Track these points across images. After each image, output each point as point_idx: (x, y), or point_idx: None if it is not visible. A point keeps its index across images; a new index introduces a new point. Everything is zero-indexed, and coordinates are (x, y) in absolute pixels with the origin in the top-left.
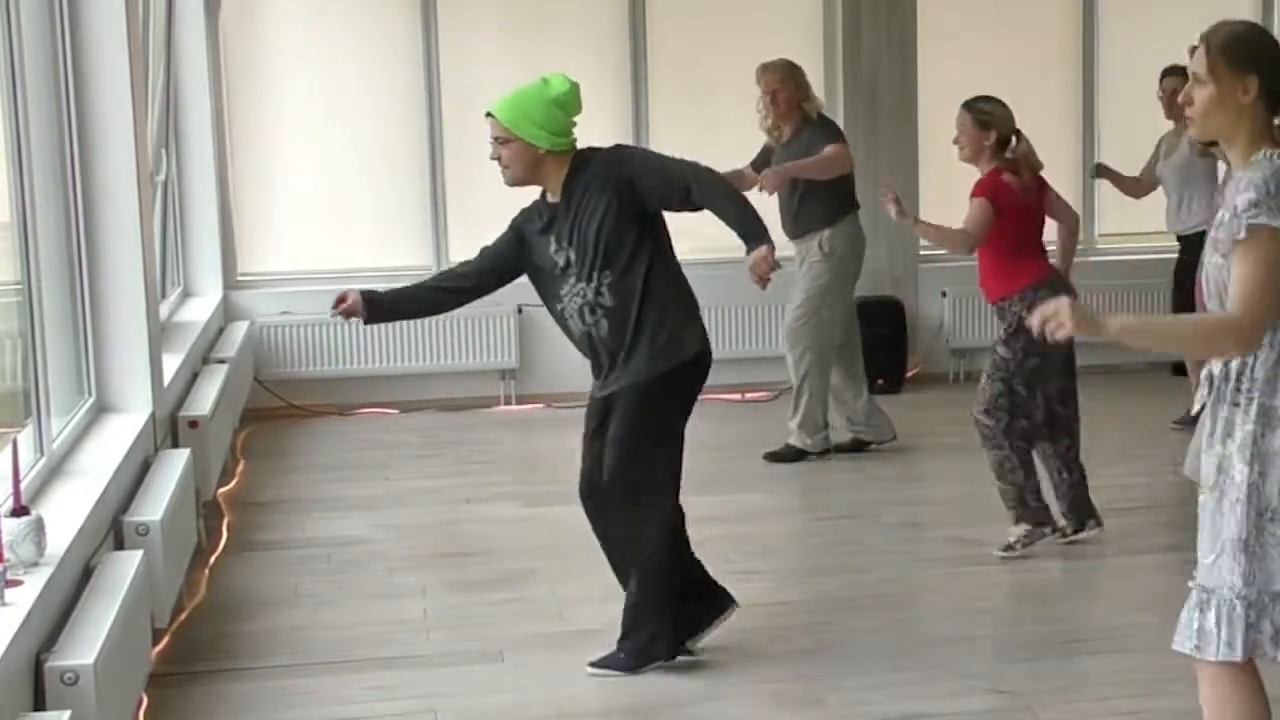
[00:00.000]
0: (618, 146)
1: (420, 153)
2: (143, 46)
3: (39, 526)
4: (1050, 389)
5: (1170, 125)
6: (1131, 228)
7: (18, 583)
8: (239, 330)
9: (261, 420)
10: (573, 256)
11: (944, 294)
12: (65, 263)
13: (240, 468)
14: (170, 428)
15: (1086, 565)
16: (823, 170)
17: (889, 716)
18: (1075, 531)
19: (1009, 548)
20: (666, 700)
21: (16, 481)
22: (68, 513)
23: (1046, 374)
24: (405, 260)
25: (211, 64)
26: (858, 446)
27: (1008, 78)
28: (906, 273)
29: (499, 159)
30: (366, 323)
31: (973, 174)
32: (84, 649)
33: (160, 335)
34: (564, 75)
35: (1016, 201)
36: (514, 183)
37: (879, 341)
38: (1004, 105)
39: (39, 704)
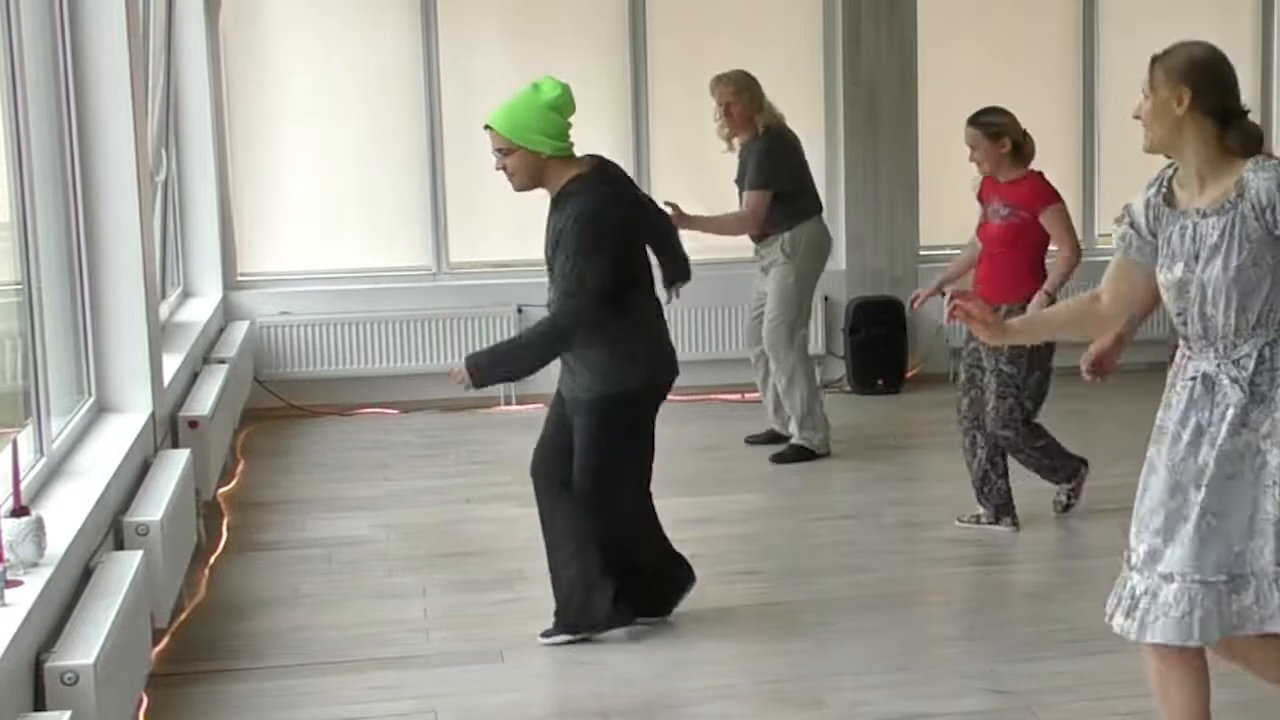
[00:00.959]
0: (588, 214)
1: (420, 153)
2: (143, 46)
3: (39, 527)
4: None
5: None
6: None
7: (18, 583)
8: (239, 330)
9: (261, 420)
10: (546, 264)
11: (943, 294)
12: (65, 263)
13: (240, 468)
14: (170, 428)
15: (1086, 565)
16: (731, 231)
17: (889, 716)
18: (991, 522)
19: (975, 518)
20: (666, 700)
21: (16, 482)
22: (68, 513)
23: (1042, 389)
24: (405, 261)
25: (211, 64)
26: (774, 439)
27: (1007, 79)
28: (906, 273)
29: (504, 169)
30: None
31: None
32: (84, 649)
33: (160, 335)
34: (553, 78)
35: None
36: (522, 189)
37: (879, 341)
38: (1007, 112)
39: (39, 704)
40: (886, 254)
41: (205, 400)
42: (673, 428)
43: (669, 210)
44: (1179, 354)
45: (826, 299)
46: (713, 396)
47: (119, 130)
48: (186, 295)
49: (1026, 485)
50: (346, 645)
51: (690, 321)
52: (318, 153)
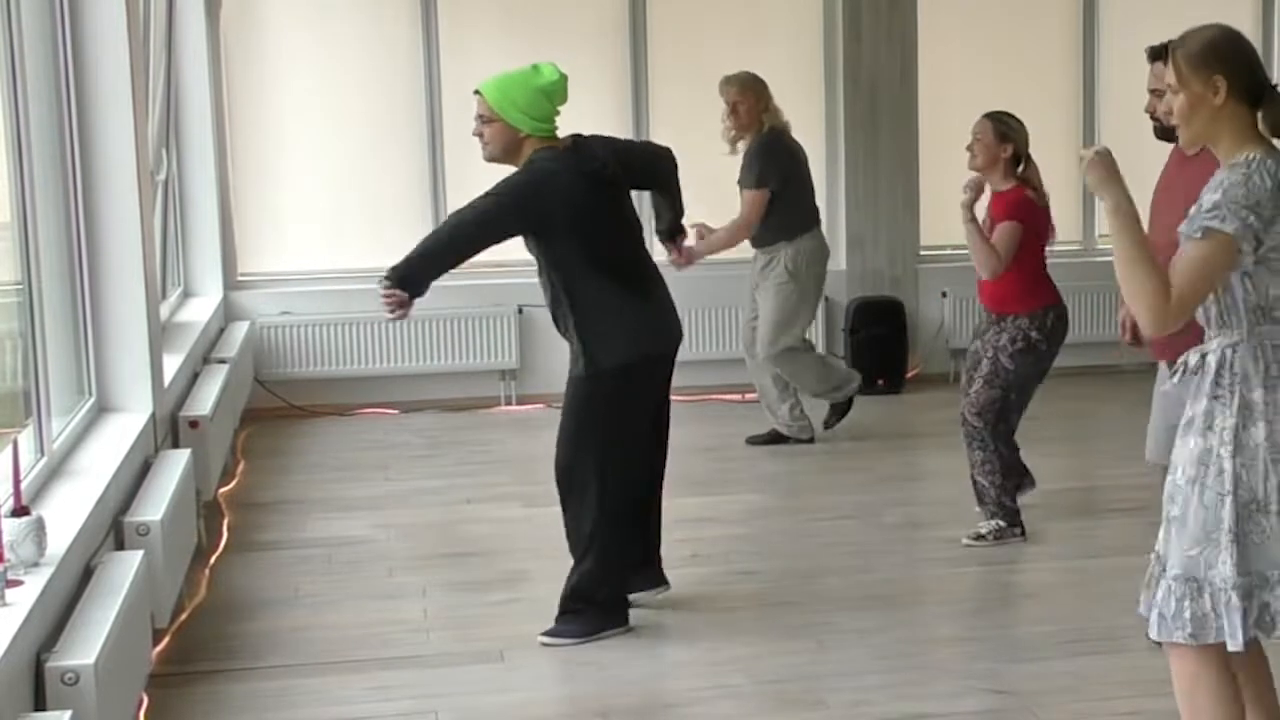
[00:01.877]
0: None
1: (420, 153)
2: (143, 46)
3: (39, 527)
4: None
5: None
6: None
7: (18, 583)
8: (239, 330)
9: (262, 420)
10: None
11: (944, 294)
12: (65, 263)
13: (241, 468)
14: (171, 428)
15: (1086, 565)
16: (738, 239)
17: (889, 717)
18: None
19: (980, 537)
20: (666, 700)
21: (17, 482)
22: (68, 513)
23: (1033, 388)
24: None
25: (211, 64)
26: (776, 439)
27: (1007, 80)
28: (906, 273)
29: (480, 135)
30: None
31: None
32: (84, 649)
33: (160, 335)
34: (554, 65)
35: (1041, 220)
36: (491, 159)
37: (878, 342)
38: (1023, 125)
39: (39, 704)
40: (886, 254)
41: (206, 400)
42: (674, 428)
43: (695, 233)
44: None
45: (827, 299)
46: (713, 397)
47: (119, 130)
48: (187, 295)
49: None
50: (347, 645)
51: (690, 322)
52: (318, 152)
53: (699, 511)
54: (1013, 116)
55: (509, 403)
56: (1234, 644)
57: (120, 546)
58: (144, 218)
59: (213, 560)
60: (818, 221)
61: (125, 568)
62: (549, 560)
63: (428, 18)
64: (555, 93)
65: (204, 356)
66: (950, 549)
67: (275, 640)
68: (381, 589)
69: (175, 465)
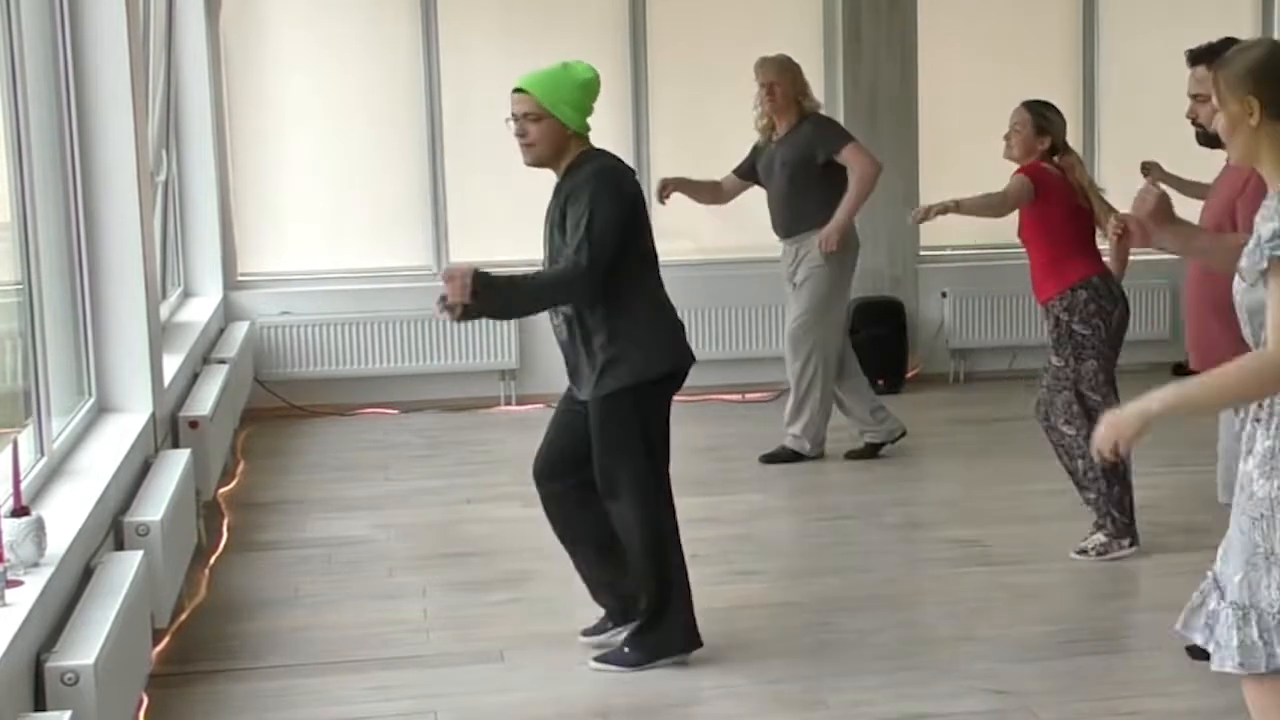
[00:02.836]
0: (605, 172)
1: (420, 153)
2: (143, 46)
3: (39, 527)
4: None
5: None
6: None
7: (18, 583)
8: (239, 330)
9: (262, 420)
10: (546, 258)
11: (944, 294)
12: (65, 263)
13: (240, 468)
14: (170, 428)
15: (1087, 565)
16: (862, 194)
17: (889, 717)
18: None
19: (1082, 551)
20: (666, 700)
21: (17, 482)
22: (68, 513)
23: (1101, 372)
24: (405, 260)
25: (211, 64)
26: (871, 452)
27: (1008, 80)
28: (906, 273)
29: (524, 135)
30: None
31: (972, 177)
32: (84, 649)
33: (160, 335)
34: (585, 62)
35: (1063, 194)
36: (537, 162)
37: (879, 342)
38: (1062, 115)
39: (39, 704)
40: (886, 254)
41: (206, 400)
42: (674, 428)
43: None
44: None
45: None
46: (713, 397)
47: (119, 130)
48: (187, 295)
49: (1032, 488)
50: (346, 645)
51: (689, 322)
52: (318, 153)
53: (699, 512)
54: (1051, 107)
55: (509, 403)
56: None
57: (120, 546)
58: (144, 218)
59: (212, 560)
60: None
61: (125, 568)
62: (549, 560)
63: (428, 17)
64: (593, 88)
65: (204, 356)
66: (950, 549)
67: (275, 640)
68: (381, 589)
69: (175, 465)
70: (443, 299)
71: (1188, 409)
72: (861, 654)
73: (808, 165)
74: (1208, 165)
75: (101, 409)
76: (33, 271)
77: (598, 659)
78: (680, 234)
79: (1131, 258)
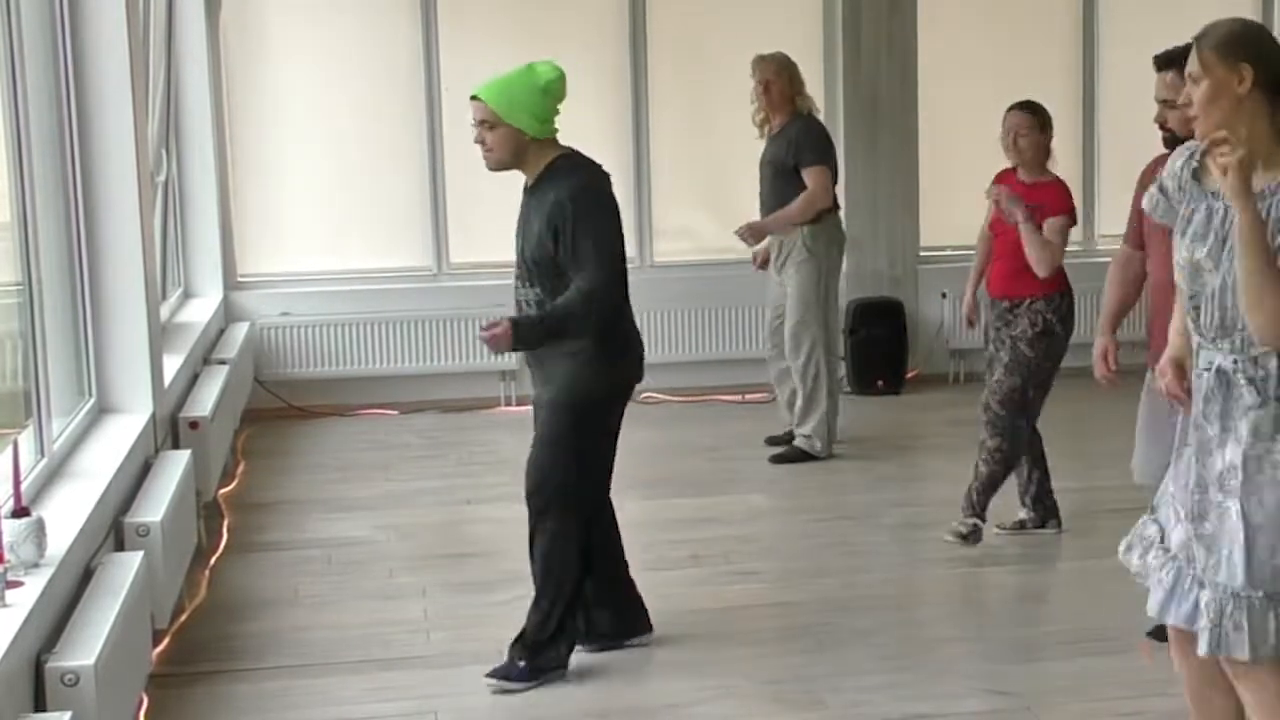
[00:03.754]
0: (594, 186)
1: (420, 153)
2: (143, 46)
3: (40, 527)
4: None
5: None
6: None
7: (18, 584)
8: (239, 331)
9: (262, 421)
10: (519, 254)
11: (944, 295)
12: (66, 263)
13: (241, 469)
14: (171, 429)
15: (1086, 565)
16: (802, 214)
17: (889, 717)
18: (1037, 526)
19: (1019, 525)
20: (666, 700)
21: (17, 482)
22: (68, 514)
23: (1053, 375)
24: (405, 261)
25: (211, 64)
26: (794, 439)
27: (1008, 80)
28: (906, 274)
29: (483, 142)
30: None
31: (972, 177)
32: (84, 650)
33: (161, 336)
34: (550, 61)
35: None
36: (497, 167)
37: (878, 343)
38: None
39: (39, 705)
40: (886, 255)
41: (206, 401)
42: (674, 428)
43: (744, 232)
44: (1193, 340)
45: None
46: (713, 397)
47: (119, 131)
48: (187, 296)
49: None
50: (347, 646)
51: (690, 322)
52: (318, 153)
53: (699, 512)
54: (1039, 104)
55: (509, 403)
56: None
57: (120, 547)
58: (144, 219)
59: (213, 561)
60: (837, 208)
61: (125, 568)
62: None
63: (428, 18)
64: (556, 91)
65: (204, 357)
66: (950, 549)
67: (275, 641)
68: (381, 589)
69: (175, 466)
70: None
71: (1244, 243)
72: (861, 654)
73: (786, 166)
74: None
75: (102, 409)
76: (33, 272)
77: (489, 674)
78: (680, 234)
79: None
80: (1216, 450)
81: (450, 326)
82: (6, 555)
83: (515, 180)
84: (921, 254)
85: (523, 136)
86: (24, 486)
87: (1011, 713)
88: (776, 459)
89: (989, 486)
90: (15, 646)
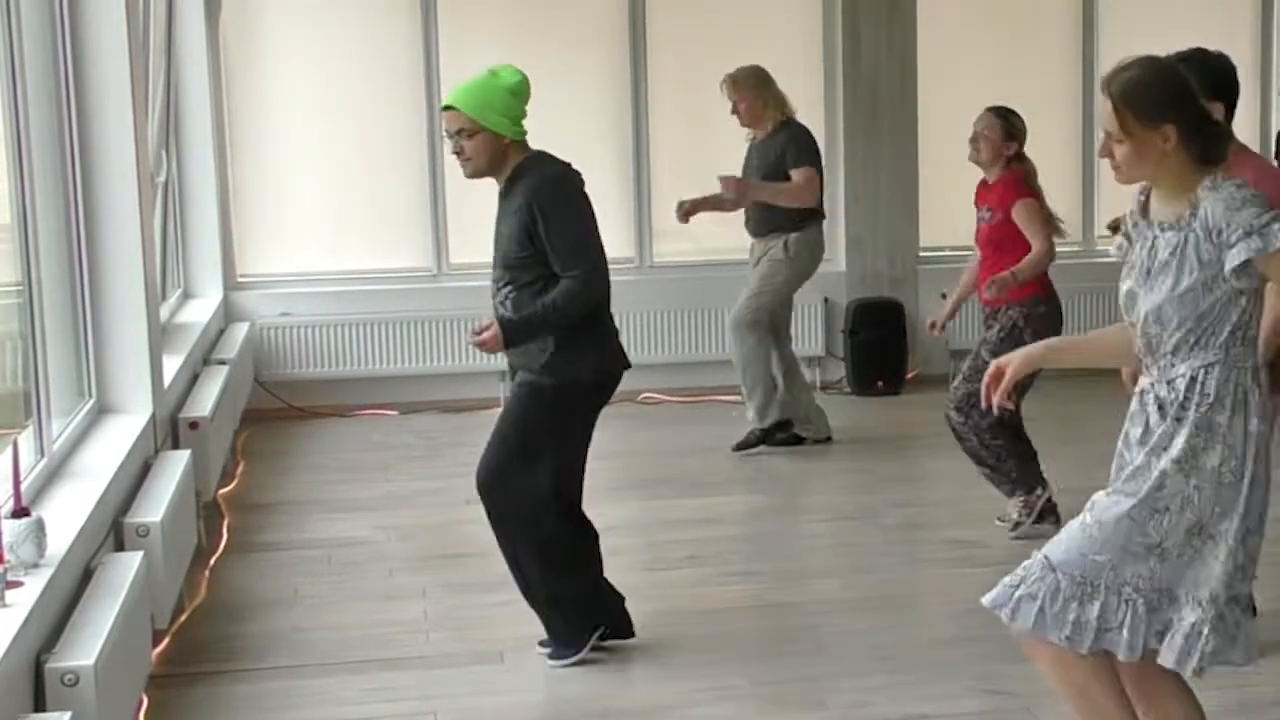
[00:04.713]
0: (559, 180)
1: (420, 154)
2: (143, 47)
3: (39, 528)
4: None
5: None
6: None
7: (18, 584)
8: (239, 331)
9: (262, 421)
10: (494, 258)
11: (943, 295)
12: (66, 264)
13: (240, 469)
14: (170, 429)
15: None
16: (786, 200)
17: (889, 717)
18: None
19: (1016, 525)
20: (666, 701)
21: (17, 483)
22: (68, 514)
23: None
24: (405, 262)
25: (211, 64)
26: (796, 439)
27: (1008, 82)
28: (906, 274)
29: (461, 152)
30: None
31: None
32: (84, 650)
33: (160, 337)
34: (511, 66)
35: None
36: (477, 174)
37: (878, 343)
38: (1024, 121)
39: (39, 705)
40: (886, 255)
41: (206, 401)
42: (673, 428)
43: (728, 183)
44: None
45: (826, 300)
46: (712, 398)
47: (119, 131)
48: (187, 296)
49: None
50: (346, 646)
51: (690, 323)
52: (318, 154)
53: (697, 512)
54: (1015, 114)
55: None
56: (1130, 654)
57: (120, 547)
58: (144, 219)
59: (212, 561)
60: (822, 216)
61: (125, 569)
62: None
63: (427, 18)
64: (522, 92)
65: (204, 358)
66: (950, 550)
67: (275, 641)
68: (381, 590)
69: (175, 466)
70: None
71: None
72: (861, 654)
73: (779, 171)
74: None
75: (101, 410)
76: (33, 272)
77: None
78: (679, 235)
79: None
80: (1127, 457)
81: (450, 327)
82: (6, 555)
83: None
84: (921, 254)
85: (500, 139)
86: (24, 487)
87: (1011, 713)
88: (738, 446)
89: (1005, 475)
90: (15, 647)
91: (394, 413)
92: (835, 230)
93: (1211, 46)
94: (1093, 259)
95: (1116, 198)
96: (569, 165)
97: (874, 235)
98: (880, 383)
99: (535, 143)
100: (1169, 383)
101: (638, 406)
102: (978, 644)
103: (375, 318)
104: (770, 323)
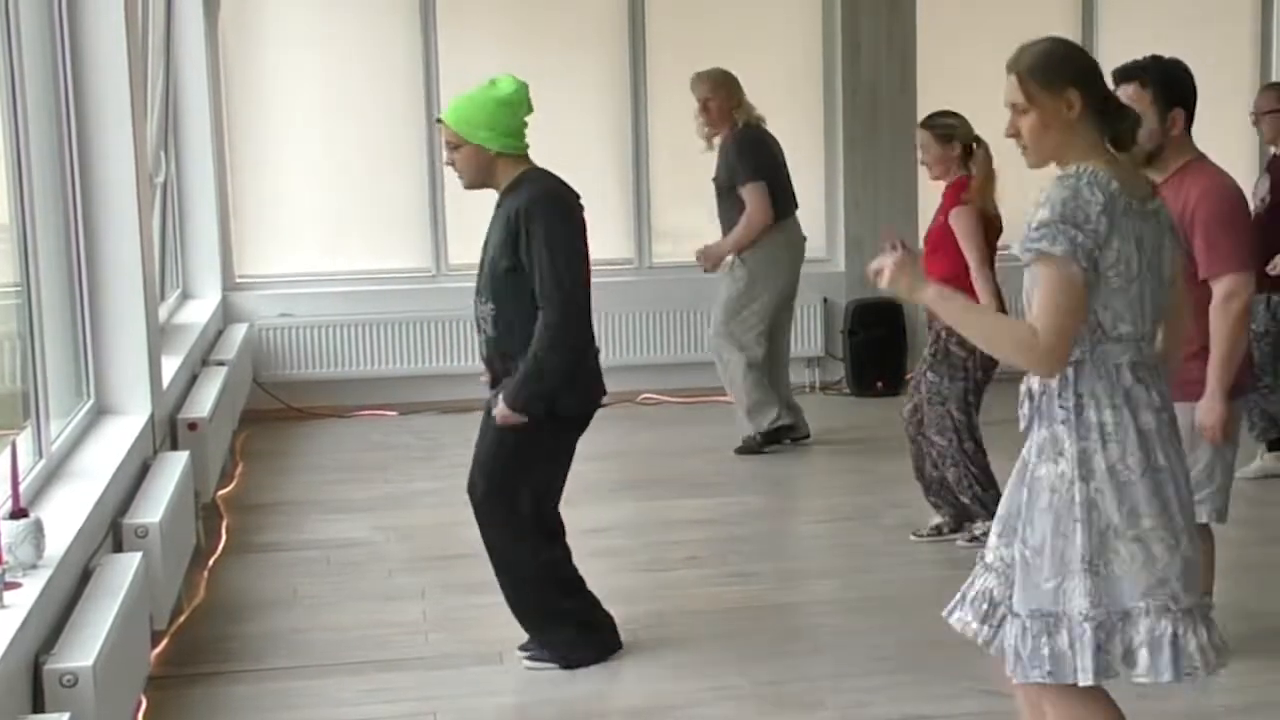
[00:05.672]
0: (554, 198)
1: (419, 154)
2: (143, 47)
3: (38, 529)
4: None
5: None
6: None
7: (17, 585)
8: (238, 332)
9: (260, 422)
10: (480, 269)
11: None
12: (64, 265)
13: (239, 470)
14: (169, 430)
15: None
16: (749, 234)
17: (889, 718)
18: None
19: (973, 539)
20: (666, 701)
21: (15, 484)
22: (67, 515)
23: (976, 397)
24: (404, 263)
25: (211, 65)
26: (759, 445)
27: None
28: None
29: (452, 164)
30: None
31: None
32: (83, 651)
33: (159, 337)
34: (511, 76)
35: (982, 215)
36: (469, 186)
37: (878, 343)
38: (960, 115)
39: (38, 706)
40: None
41: (204, 402)
42: (673, 429)
43: (701, 256)
44: None
45: (826, 300)
46: (712, 398)
47: (118, 132)
48: (185, 297)
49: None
50: (345, 647)
51: (689, 324)
52: (317, 154)
53: (697, 513)
54: (946, 113)
55: None
56: (1084, 678)
57: (119, 548)
58: (143, 220)
59: (211, 562)
60: (791, 212)
61: (124, 570)
62: None
63: (427, 19)
64: (517, 103)
65: (203, 358)
66: (950, 550)
67: (274, 642)
68: (380, 591)
69: (174, 467)
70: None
71: (944, 314)
72: (861, 655)
73: (728, 185)
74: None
75: (100, 411)
76: (32, 273)
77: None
78: (679, 237)
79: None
80: (1027, 466)
81: (449, 328)
82: (5, 556)
83: None
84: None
85: (485, 153)
86: (22, 488)
87: (1011, 714)
88: (742, 450)
89: (985, 501)
90: (14, 648)
91: (393, 413)
92: (835, 232)
93: (1211, 46)
94: None
95: None
96: (569, 186)
97: (874, 236)
98: (880, 383)
99: (535, 142)
100: (1044, 381)
101: (637, 407)
102: (978, 645)
103: (374, 318)
104: (745, 330)
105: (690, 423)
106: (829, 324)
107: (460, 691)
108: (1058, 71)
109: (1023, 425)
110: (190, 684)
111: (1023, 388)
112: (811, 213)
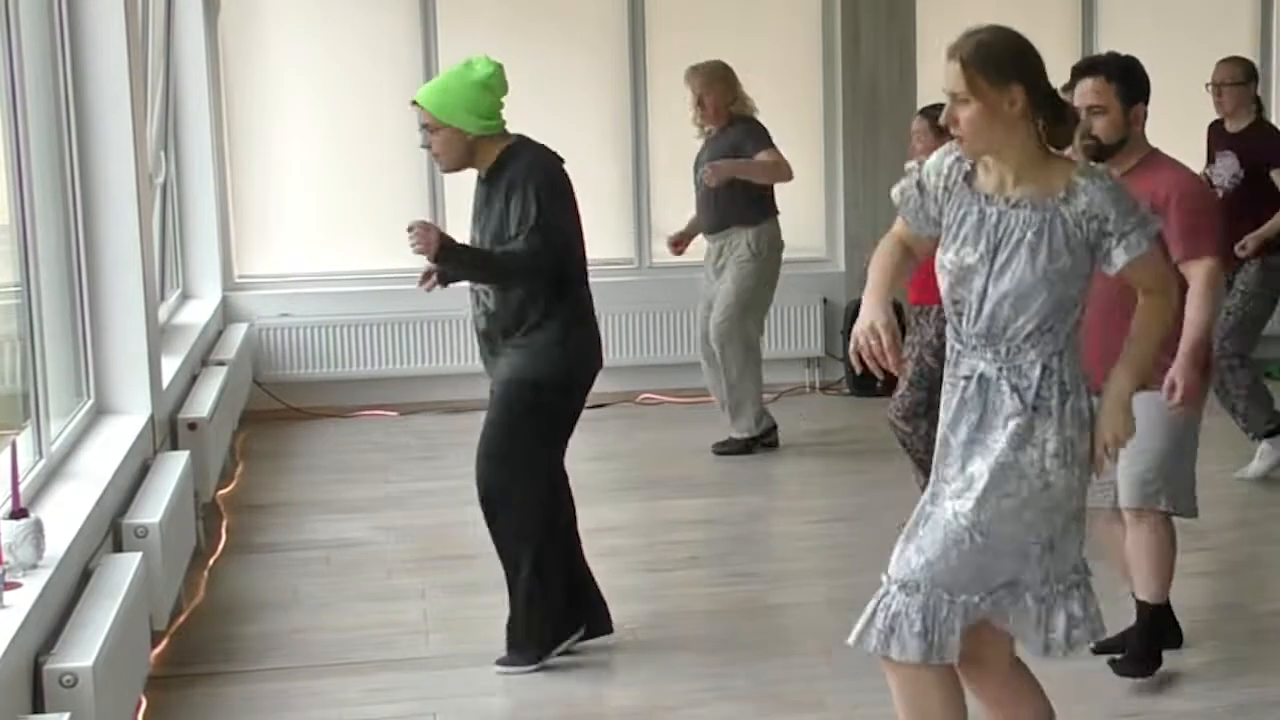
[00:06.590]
0: (550, 166)
1: (419, 154)
2: (143, 47)
3: (38, 529)
4: None
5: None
6: None
7: (16, 585)
8: (238, 332)
9: (260, 422)
10: (479, 243)
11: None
12: (64, 265)
13: (239, 470)
14: (169, 430)
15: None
16: (764, 175)
17: (888, 718)
18: None
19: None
20: (666, 701)
21: (15, 484)
22: (67, 515)
23: None
24: (405, 262)
25: (211, 65)
26: (744, 447)
27: None
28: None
29: (429, 147)
30: None
31: None
32: (83, 651)
33: (159, 337)
34: (486, 57)
35: None
36: (449, 169)
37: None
38: None
39: (38, 706)
40: None
41: (204, 402)
42: (672, 429)
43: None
44: (948, 348)
45: (825, 300)
46: (712, 399)
47: (118, 132)
48: (185, 297)
49: None
50: (345, 647)
51: (689, 324)
52: (317, 154)
53: (698, 513)
54: (941, 106)
55: None
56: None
57: (119, 548)
58: (143, 220)
59: (211, 562)
60: (777, 212)
61: (124, 570)
62: None
63: (427, 19)
64: (494, 84)
65: (202, 358)
66: None
67: (274, 642)
68: (380, 591)
69: (174, 467)
70: (425, 276)
71: (1143, 375)
72: (861, 656)
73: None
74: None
75: (100, 411)
76: (32, 274)
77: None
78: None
79: None
80: (955, 462)
81: (449, 328)
82: (5, 556)
83: None
84: None
85: (464, 135)
86: (22, 488)
87: None
88: (720, 448)
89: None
90: (13, 648)
91: (393, 413)
92: (835, 231)
93: (1211, 46)
94: None
95: None
96: (554, 152)
97: (873, 236)
98: (879, 383)
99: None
100: (1018, 368)
101: (637, 407)
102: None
103: (374, 318)
104: (750, 331)
105: (690, 423)
106: (829, 324)
107: (460, 691)
108: (1005, 66)
109: (970, 408)
110: (190, 684)
111: (963, 369)
112: (811, 212)
